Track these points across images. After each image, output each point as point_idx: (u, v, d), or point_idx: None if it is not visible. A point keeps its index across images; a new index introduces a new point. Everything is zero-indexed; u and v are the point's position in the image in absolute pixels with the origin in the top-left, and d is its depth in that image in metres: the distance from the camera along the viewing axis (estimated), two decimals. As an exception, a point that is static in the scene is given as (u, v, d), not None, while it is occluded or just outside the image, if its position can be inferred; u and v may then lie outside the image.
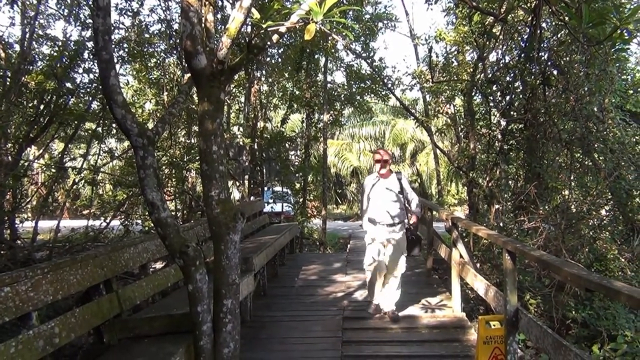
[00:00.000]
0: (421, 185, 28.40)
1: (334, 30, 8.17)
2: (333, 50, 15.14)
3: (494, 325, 4.33)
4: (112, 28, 9.30)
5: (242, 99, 14.34)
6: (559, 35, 8.95)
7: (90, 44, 8.66)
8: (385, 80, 15.24)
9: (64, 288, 3.46)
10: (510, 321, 4.20)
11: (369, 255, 6.12)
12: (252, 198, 12.91)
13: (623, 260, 7.49)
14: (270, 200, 15.12)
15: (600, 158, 8.66)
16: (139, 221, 10.03)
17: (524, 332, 4.12)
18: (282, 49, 14.34)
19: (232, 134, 13.78)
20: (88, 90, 9.45)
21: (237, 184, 12.90)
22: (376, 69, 15.05)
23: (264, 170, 15.02)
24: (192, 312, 3.37)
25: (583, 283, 3.07)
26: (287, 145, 15.70)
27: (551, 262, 3.59)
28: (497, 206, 9.25)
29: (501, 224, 8.32)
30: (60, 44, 9.11)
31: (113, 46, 9.14)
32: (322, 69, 15.57)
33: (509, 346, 4.22)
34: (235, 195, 12.74)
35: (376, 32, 15.09)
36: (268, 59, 14.32)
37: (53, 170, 9.71)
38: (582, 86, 8.35)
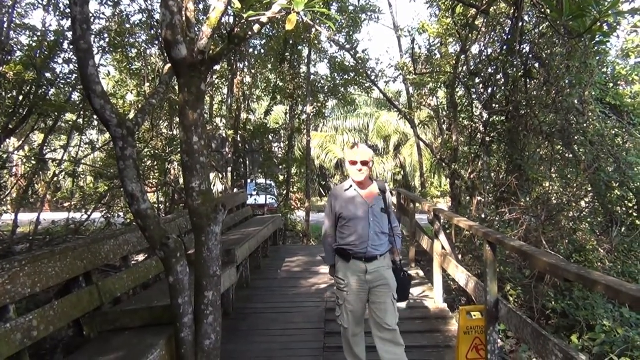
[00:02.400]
0: (405, 177, 28.58)
1: (317, 21, 8.14)
2: (316, 42, 15.11)
3: (475, 316, 4.36)
4: (93, 18, 9.23)
5: (225, 91, 14.26)
6: (540, 28, 9.02)
7: (70, 34, 8.54)
8: (369, 72, 15.25)
9: (43, 281, 3.41)
10: (491, 312, 4.23)
11: (343, 312, 4.06)
12: (235, 190, 12.86)
13: (602, 251, 7.61)
14: (254, 193, 15.07)
15: (580, 150, 8.77)
16: (121, 213, 9.97)
17: (504, 322, 4.16)
18: (265, 40, 14.29)
19: (215, 126, 13.70)
20: (68, 80, 9.34)
21: (220, 176, 12.85)
22: (360, 61, 15.04)
23: (247, 162, 14.97)
24: (173, 305, 3.34)
25: (562, 274, 3.10)
26: (270, 137, 15.65)
27: (531, 253, 3.62)
28: (478, 198, 9.34)
29: (483, 216, 8.40)
30: (39, 33, 8.97)
31: (93, 36, 9.03)
32: (306, 61, 15.53)
33: (490, 336, 4.25)
34: (218, 187, 12.69)
35: (360, 24, 15.08)
36: (251, 50, 14.26)
37: (33, 162, 9.59)
38: (563, 79, 8.45)
